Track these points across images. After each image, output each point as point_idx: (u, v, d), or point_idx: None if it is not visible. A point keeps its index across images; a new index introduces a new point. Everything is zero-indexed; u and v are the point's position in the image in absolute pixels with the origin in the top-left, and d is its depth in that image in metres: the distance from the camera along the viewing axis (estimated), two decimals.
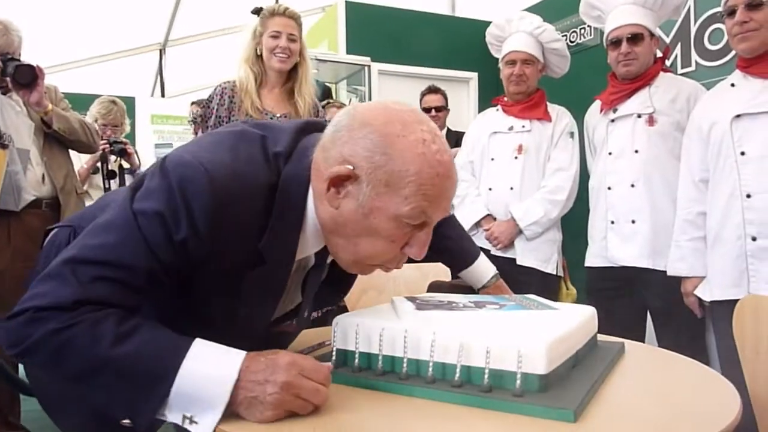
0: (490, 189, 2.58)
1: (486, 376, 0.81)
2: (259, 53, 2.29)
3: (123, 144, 3.23)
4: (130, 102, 4.42)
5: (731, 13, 1.81)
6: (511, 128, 2.59)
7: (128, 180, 3.22)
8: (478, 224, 2.57)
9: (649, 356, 1.14)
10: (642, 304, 2.22)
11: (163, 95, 6.56)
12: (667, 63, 2.98)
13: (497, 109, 2.71)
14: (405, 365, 0.87)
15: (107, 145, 3.15)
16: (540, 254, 2.50)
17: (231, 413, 0.75)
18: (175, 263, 0.81)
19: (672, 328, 2.11)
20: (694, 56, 3.19)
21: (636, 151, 2.17)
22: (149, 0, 5.45)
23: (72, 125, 2.47)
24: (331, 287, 1.06)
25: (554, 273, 2.53)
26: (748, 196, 1.76)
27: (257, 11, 2.32)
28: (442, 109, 3.50)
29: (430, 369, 0.85)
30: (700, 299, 1.95)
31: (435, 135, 0.85)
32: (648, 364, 1.09)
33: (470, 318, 0.95)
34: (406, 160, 0.81)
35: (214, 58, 5.73)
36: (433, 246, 0.91)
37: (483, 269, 1.41)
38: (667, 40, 3.28)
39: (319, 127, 0.95)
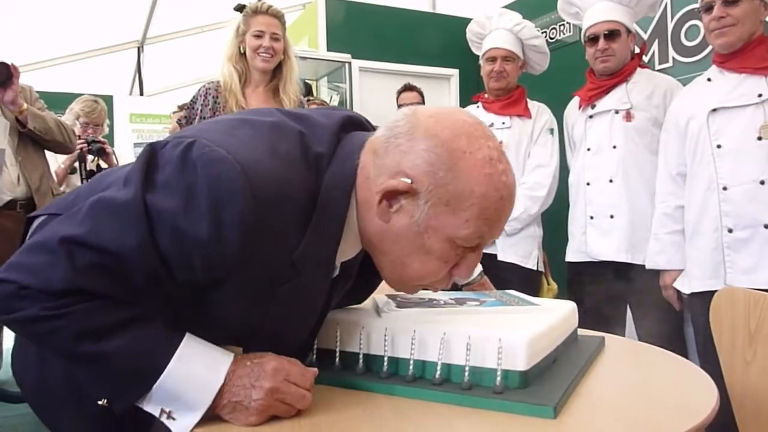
0: None
1: (466, 373, 0.81)
2: (242, 51, 2.27)
3: (101, 143, 3.19)
4: (108, 100, 4.36)
5: (708, 8, 1.83)
6: (491, 125, 2.60)
7: None
8: None
9: (629, 350, 1.15)
10: (621, 298, 2.24)
11: (141, 93, 6.48)
12: (645, 59, 3.02)
13: (477, 106, 2.72)
14: (386, 364, 0.87)
15: (85, 145, 3.11)
16: (520, 250, 2.51)
17: (211, 415, 0.74)
18: (185, 274, 0.73)
19: (651, 321, 2.14)
20: (671, 52, 3.23)
21: (614, 147, 2.19)
22: None
23: (48, 125, 2.44)
24: (351, 294, 1.01)
25: (535, 268, 2.54)
26: (725, 188, 1.78)
27: (240, 8, 2.30)
28: None
29: (411, 367, 0.85)
30: (678, 292, 1.98)
31: (501, 153, 0.78)
32: (627, 358, 1.10)
33: (451, 315, 0.95)
34: (472, 180, 0.75)
35: (194, 55, 5.69)
36: None
37: None
38: (645, 36, 3.32)
39: (360, 125, 0.89)
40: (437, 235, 0.77)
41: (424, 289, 0.87)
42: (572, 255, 2.34)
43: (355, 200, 0.81)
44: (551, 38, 4.07)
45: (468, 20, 2.78)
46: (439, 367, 0.83)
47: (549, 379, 0.85)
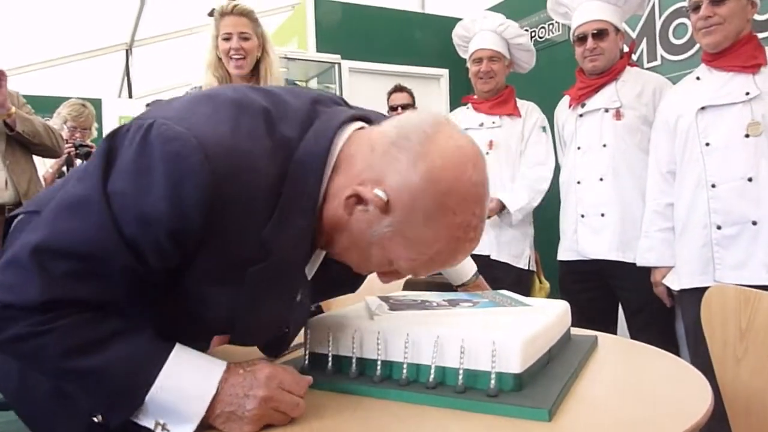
0: None
1: (460, 376, 0.81)
2: (219, 56, 2.23)
3: (89, 147, 3.17)
4: (96, 103, 4.33)
5: (696, 8, 1.84)
6: (481, 124, 2.61)
7: None
8: None
9: (622, 348, 1.16)
10: (613, 296, 2.25)
11: (130, 96, 6.43)
12: (634, 57, 3.04)
13: (467, 107, 2.73)
14: (379, 367, 0.86)
15: (73, 149, 3.09)
16: (512, 249, 2.51)
17: (207, 425, 0.73)
18: (158, 259, 0.72)
19: (642, 318, 2.15)
20: (660, 51, 3.25)
21: (604, 145, 2.20)
22: None
23: (36, 128, 2.42)
24: (344, 282, 1.00)
25: (527, 268, 2.55)
26: (713, 185, 1.80)
27: (211, 13, 2.25)
28: (409, 107, 3.53)
29: (404, 371, 0.85)
30: (669, 289, 1.99)
31: (480, 221, 0.78)
32: (620, 357, 1.10)
33: (444, 317, 0.95)
34: (440, 237, 0.76)
35: (183, 57, 5.64)
36: None
37: (465, 267, 1.41)
38: (633, 35, 3.34)
39: (334, 100, 0.89)
40: (383, 252, 0.79)
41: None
42: (563, 253, 2.35)
43: (328, 177, 0.78)
44: (540, 37, 4.08)
45: (457, 20, 2.79)
46: (432, 371, 0.83)
47: (543, 381, 0.85)
